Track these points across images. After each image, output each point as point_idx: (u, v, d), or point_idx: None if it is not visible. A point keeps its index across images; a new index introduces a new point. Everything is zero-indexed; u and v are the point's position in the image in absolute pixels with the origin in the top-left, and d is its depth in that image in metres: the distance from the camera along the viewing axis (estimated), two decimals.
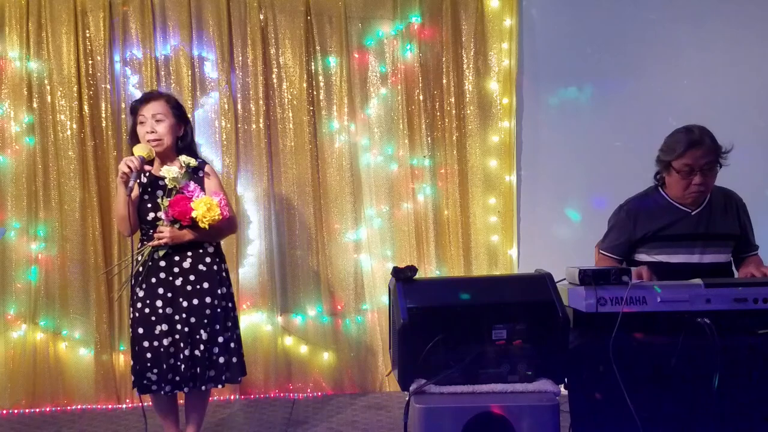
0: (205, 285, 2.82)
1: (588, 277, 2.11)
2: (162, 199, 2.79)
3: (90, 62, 3.79)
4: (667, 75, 3.88)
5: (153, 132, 2.81)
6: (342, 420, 3.51)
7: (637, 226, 2.67)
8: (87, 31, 3.79)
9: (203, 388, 2.82)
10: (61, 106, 3.78)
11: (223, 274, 2.92)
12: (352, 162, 3.94)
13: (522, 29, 3.93)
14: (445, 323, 1.97)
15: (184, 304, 2.79)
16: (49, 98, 3.79)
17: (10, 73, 3.79)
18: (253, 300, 3.92)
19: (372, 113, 3.97)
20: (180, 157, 2.85)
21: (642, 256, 2.68)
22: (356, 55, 3.94)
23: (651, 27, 3.89)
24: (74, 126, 3.77)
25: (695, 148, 2.50)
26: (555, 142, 3.96)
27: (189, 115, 3.17)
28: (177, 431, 2.98)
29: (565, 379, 2.10)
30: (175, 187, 2.78)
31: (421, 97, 3.91)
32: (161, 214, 2.78)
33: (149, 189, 2.83)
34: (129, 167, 2.66)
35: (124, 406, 3.83)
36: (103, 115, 3.81)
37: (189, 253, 2.83)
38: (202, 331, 2.79)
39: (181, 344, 2.77)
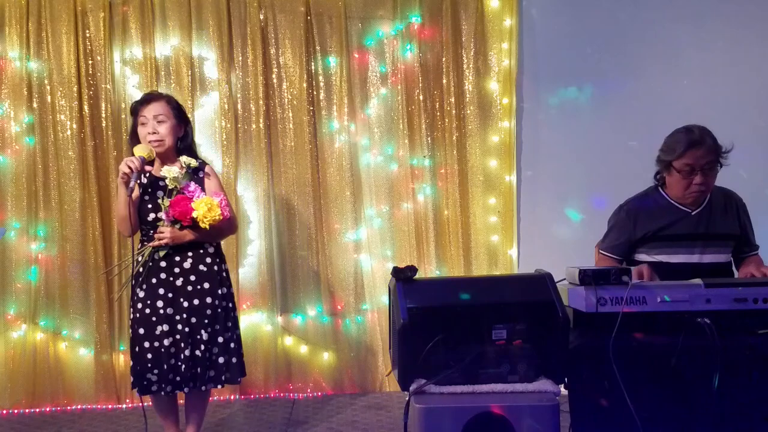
0: (206, 285, 2.82)
1: (588, 277, 2.11)
2: (163, 199, 2.79)
3: (90, 62, 3.79)
4: (667, 75, 3.89)
5: (155, 133, 2.81)
6: (342, 420, 3.51)
7: (637, 226, 2.67)
8: (87, 31, 3.79)
9: (203, 388, 2.82)
10: (61, 106, 3.78)
11: (224, 274, 2.93)
12: (352, 162, 3.94)
13: (522, 29, 3.93)
14: (445, 323, 1.97)
15: (185, 304, 2.79)
16: (49, 98, 3.79)
17: (10, 73, 3.79)
18: (253, 300, 3.92)
19: (372, 113, 3.97)
20: (181, 158, 2.85)
21: (642, 256, 2.68)
22: (356, 55, 3.94)
23: (651, 27, 3.89)
24: (74, 126, 3.77)
25: (696, 148, 2.51)
26: (555, 142, 3.96)
27: (189, 116, 3.18)
28: (177, 431, 2.98)
29: (565, 379, 2.10)
30: (175, 187, 2.78)
31: (421, 97, 3.91)
32: (162, 215, 2.78)
33: (149, 189, 2.83)
34: (130, 168, 2.67)
35: (124, 406, 3.83)
36: (103, 115, 3.81)
37: (189, 254, 2.83)
38: (202, 332, 2.79)
39: (182, 344, 2.77)
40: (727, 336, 2.00)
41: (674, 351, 2.00)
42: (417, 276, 2.08)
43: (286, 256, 3.94)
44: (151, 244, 2.80)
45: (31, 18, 3.76)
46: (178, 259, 2.82)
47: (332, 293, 3.96)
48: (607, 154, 3.90)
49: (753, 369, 2.04)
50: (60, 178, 3.79)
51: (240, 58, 3.87)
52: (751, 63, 3.86)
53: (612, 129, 3.92)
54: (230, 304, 2.93)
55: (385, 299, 3.77)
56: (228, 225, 2.90)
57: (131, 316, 2.84)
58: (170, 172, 2.77)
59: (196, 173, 2.88)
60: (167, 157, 2.87)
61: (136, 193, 2.77)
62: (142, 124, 2.83)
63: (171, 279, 2.81)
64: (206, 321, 2.80)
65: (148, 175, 2.84)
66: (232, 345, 2.88)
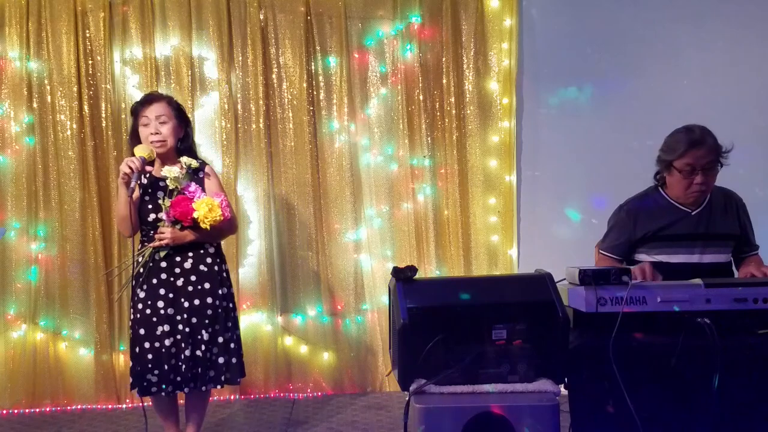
0: (207, 285, 2.82)
1: (588, 277, 2.11)
2: (163, 199, 2.79)
3: (90, 62, 3.79)
4: (667, 75, 3.89)
5: (158, 133, 2.81)
6: (342, 420, 3.51)
7: (637, 226, 2.67)
8: (87, 31, 3.79)
9: (204, 388, 2.82)
10: (61, 106, 3.78)
11: (224, 274, 2.93)
12: (352, 162, 3.94)
13: (522, 29, 3.93)
14: (445, 323, 1.97)
15: (186, 304, 2.79)
16: (49, 98, 3.79)
17: (10, 73, 3.79)
18: (253, 300, 3.92)
19: (372, 113, 3.98)
20: (181, 158, 2.85)
21: (642, 256, 2.68)
22: (356, 55, 3.94)
23: (651, 27, 3.89)
24: (74, 126, 3.77)
25: (696, 148, 2.50)
26: (555, 142, 3.96)
27: (189, 116, 3.17)
28: (177, 431, 2.98)
29: (565, 379, 2.10)
30: (176, 187, 2.78)
31: (421, 97, 3.91)
32: (162, 215, 2.78)
33: (150, 190, 2.83)
34: (130, 168, 2.66)
35: (124, 406, 3.83)
36: (103, 115, 3.81)
37: (190, 254, 2.83)
38: (203, 332, 2.79)
39: (183, 344, 2.77)
40: (727, 336, 2.00)
41: (674, 351, 1.99)
42: (417, 276, 2.08)
43: (286, 256, 3.94)
44: (151, 244, 2.80)
45: (31, 18, 3.76)
46: (178, 259, 2.82)
47: (332, 293, 3.96)
48: (607, 154, 3.90)
49: (753, 369, 2.04)
50: (60, 178, 3.79)
51: (240, 58, 3.87)
52: (751, 63, 3.86)
53: (612, 129, 3.92)
54: (230, 305, 2.93)
55: (385, 299, 3.77)
56: (228, 225, 2.90)
57: (131, 316, 2.84)
58: (171, 172, 2.77)
59: (196, 173, 2.88)
60: (168, 157, 2.88)
61: (136, 193, 2.77)
62: (144, 124, 2.83)
63: (172, 279, 2.81)
64: (207, 321, 2.80)
65: (148, 175, 2.84)
66: (232, 345, 2.88)
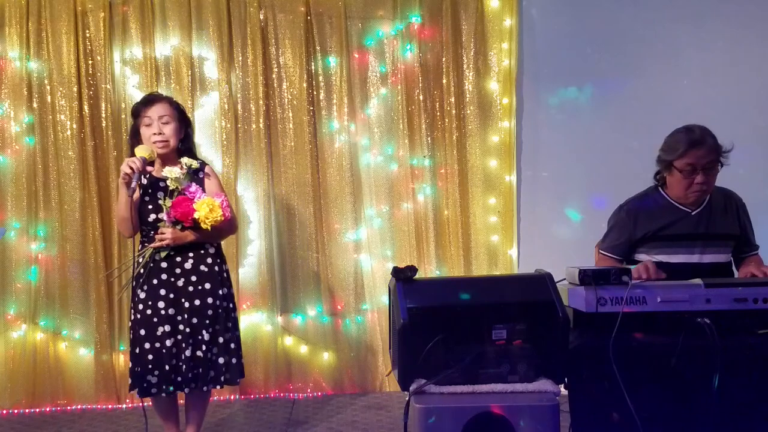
0: (207, 286, 2.82)
1: (588, 277, 2.11)
2: (164, 200, 2.79)
3: (90, 62, 3.79)
4: (667, 75, 3.89)
5: (161, 134, 2.81)
6: (342, 420, 3.51)
7: (637, 226, 2.67)
8: (87, 31, 3.79)
9: (204, 388, 2.82)
10: (61, 106, 3.78)
11: (225, 274, 2.93)
12: (352, 162, 3.94)
13: (522, 29, 3.93)
14: (445, 323, 1.97)
15: (186, 305, 2.79)
16: (49, 98, 3.79)
17: (10, 73, 3.79)
18: (253, 300, 3.92)
19: (372, 113, 3.98)
20: (182, 159, 2.85)
21: (642, 256, 2.68)
22: (356, 55, 3.94)
23: (651, 27, 3.89)
24: (74, 126, 3.77)
25: (697, 148, 2.51)
26: (555, 142, 3.96)
27: (189, 116, 3.17)
28: (177, 431, 2.98)
29: (565, 379, 2.10)
30: (176, 188, 2.78)
31: (421, 97, 3.91)
32: (163, 216, 2.78)
33: (150, 190, 2.83)
34: (131, 168, 2.66)
35: (124, 406, 3.83)
36: (103, 115, 3.81)
37: (190, 254, 2.83)
38: (204, 332, 2.79)
39: (183, 345, 2.77)
40: (727, 336, 2.00)
41: (674, 351, 2.00)
42: (417, 276, 2.08)
43: (286, 256, 3.94)
44: (152, 245, 2.80)
45: (31, 18, 3.76)
46: (179, 259, 2.82)
47: (332, 293, 3.96)
48: (607, 154, 3.90)
49: (753, 369, 2.04)
50: (60, 178, 3.79)
51: (240, 58, 3.87)
52: (751, 63, 3.86)
53: (612, 129, 3.92)
54: (231, 305, 2.93)
55: (385, 299, 3.77)
56: (229, 225, 2.90)
57: (132, 317, 2.83)
58: (172, 172, 2.77)
59: (196, 173, 2.88)
60: (168, 158, 2.87)
61: (137, 194, 2.77)
62: (147, 125, 2.83)
63: (172, 280, 2.81)
64: (207, 321, 2.80)
65: (148, 176, 2.84)
66: (232, 345, 2.88)
